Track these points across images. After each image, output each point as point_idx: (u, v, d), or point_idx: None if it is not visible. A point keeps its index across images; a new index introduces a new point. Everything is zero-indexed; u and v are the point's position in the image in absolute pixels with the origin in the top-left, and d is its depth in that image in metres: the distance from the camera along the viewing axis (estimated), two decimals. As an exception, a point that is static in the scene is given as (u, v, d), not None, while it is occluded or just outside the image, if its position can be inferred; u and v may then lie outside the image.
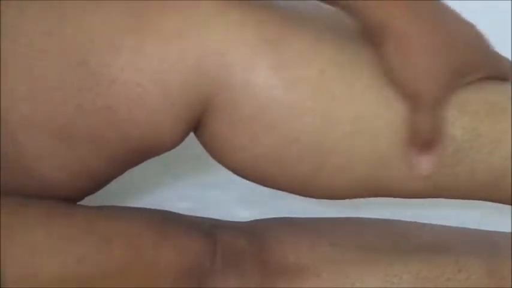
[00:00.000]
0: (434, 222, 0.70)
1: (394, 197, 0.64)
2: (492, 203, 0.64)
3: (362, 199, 0.65)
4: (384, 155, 0.60)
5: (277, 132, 0.59)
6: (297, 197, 0.64)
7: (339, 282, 0.63)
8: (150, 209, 0.68)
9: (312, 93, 0.59)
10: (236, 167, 0.62)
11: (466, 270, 0.63)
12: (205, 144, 0.62)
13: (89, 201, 0.66)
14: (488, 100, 0.62)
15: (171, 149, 0.62)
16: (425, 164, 0.60)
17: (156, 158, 0.63)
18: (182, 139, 0.62)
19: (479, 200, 0.64)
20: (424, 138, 0.59)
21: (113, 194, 0.73)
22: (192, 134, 0.62)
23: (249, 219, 0.70)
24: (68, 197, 0.63)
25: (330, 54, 0.60)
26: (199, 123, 0.61)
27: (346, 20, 0.61)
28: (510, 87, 0.64)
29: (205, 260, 0.63)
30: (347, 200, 0.64)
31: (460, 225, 0.70)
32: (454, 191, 0.63)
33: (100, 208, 0.65)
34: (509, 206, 0.64)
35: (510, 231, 0.69)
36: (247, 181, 0.64)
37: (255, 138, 0.60)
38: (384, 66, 0.59)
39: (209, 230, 0.66)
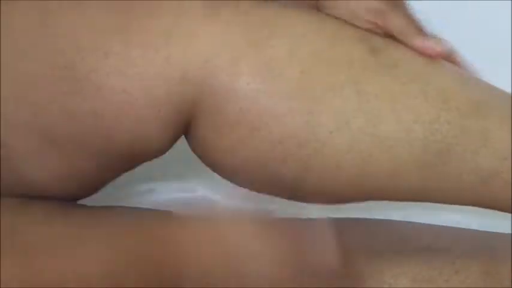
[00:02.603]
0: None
1: (385, 199, 0.64)
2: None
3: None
4: (368, 151, 0.60)
5: (261, 135, 0.60)
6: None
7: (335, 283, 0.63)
8: (151, 209, 0.67)
9: (293, 94, 0.59)
10: (224, 171, 0.62)
11: (463, 271, 0.63)
12: (194, 149, 0.63)
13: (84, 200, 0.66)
14: (470, 97, 0.62)
15: (161, 155, 0.62)
16: (432, 44, 0.62)
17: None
18: (171, 144, 0.62)
19: (470, 205, 0.64)
20: (414, 28, 0.62)
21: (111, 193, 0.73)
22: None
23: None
24: (58, 199, 0.63)
25: (311, 54, 0.60)
26: (188, 129, 0.61)
27: (328, 19, 0.62)
28: (489, 84, 0.65)
29: None
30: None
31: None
32: (443, 193, 0.63)
33: (100, 208, 0.65)
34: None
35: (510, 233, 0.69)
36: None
37: (240, 143, 0.60)
38: None
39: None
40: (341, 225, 0.68)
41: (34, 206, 0.62)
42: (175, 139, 0.61)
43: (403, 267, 0.64)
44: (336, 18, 0.62)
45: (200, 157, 0.63)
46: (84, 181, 0.62)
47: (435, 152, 0.61)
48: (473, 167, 0.62)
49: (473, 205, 0.64)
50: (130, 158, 0.62)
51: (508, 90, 0.68)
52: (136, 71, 0.58)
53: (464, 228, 0.69)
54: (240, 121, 0.59)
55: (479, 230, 0.69)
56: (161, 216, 0.65)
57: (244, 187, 0.64)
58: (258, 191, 0.64)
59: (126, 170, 0.64)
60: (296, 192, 0.63)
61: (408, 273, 0.63)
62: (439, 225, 0.69)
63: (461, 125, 0.61)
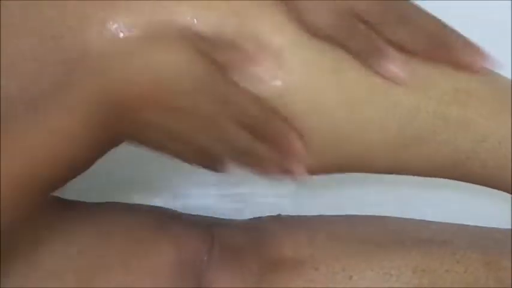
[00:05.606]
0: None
1: (358, 171, 0.64)
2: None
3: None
4: (340, 128, 0.61)
5: None
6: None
7: (336, 275, 0.63)
8: (149, 205, 0.68)
9: None
10: None
11: (463, 262, 0.63)
12: None
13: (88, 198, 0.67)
14: (454, 85, 0.61)
15: None
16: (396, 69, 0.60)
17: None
18: None
19: (446, 178, 0.65)
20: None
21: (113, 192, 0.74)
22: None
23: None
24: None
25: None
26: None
27: None
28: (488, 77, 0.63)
29: (203, 254, 0.63)
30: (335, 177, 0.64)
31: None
32: (418, 170, 0.63)
33: (100, 203, 0.66)
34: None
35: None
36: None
37: None
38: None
39: (207, 226, 0.66)
40: (341, 221, 0.69)
41: None
42: None
43: (405, 259, 0.64)
44: None
45: None
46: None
47: (411, 136, 0.61)
48: (450, 150, 0.62)
49: (451, 179, 0.65)
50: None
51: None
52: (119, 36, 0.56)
53: (464, 224, 0.69)
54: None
55: (479, 226, 0.69)
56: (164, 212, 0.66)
57: None
58: None
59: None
60: None
61: (410, 264, 0.64)
62: (439, 221, 0.69)
63: (442, 112, 0.61)
